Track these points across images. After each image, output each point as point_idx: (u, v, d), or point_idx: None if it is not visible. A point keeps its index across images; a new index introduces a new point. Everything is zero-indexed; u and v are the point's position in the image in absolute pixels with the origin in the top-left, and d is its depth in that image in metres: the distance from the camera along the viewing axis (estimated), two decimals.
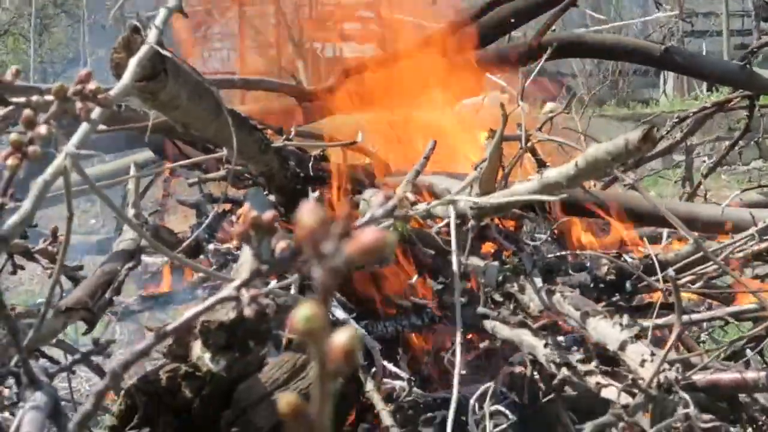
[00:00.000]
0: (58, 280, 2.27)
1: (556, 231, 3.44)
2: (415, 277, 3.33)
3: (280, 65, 4.96)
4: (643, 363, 2.51)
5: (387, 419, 2.91)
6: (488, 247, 3.30)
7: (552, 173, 2.59)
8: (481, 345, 3.38)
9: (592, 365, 2.72)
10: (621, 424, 2.45)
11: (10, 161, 1.84)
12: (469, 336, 3.33)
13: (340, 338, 0.73)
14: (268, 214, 1.52)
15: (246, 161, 3.08)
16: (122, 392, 2.48)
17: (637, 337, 2.60)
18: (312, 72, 4.93)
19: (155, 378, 2.56)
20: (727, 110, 5.05)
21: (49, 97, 1.96)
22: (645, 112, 14.40)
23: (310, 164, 3.32)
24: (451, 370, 3.05)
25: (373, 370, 3.05)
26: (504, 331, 3.02)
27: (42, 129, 1.84)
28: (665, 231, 4.08)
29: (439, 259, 3.22)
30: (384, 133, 3.73)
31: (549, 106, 4.13)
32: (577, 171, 2.45)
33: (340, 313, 3.13)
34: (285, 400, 0.77)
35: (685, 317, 3.06)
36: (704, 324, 3.79)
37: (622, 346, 2.58)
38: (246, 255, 2.81)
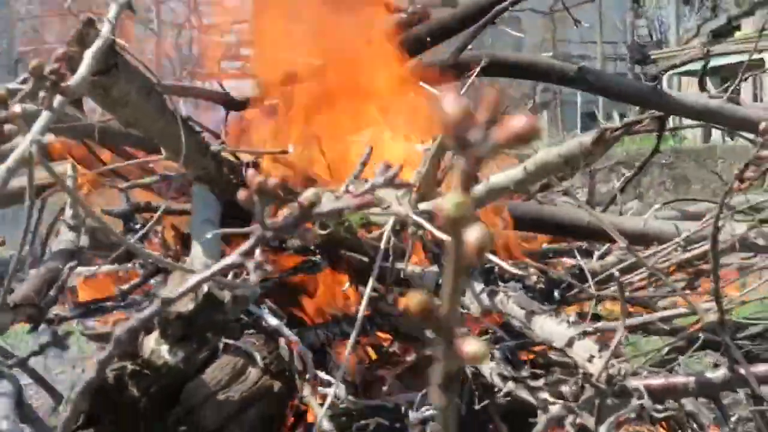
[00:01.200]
0: (14, 275, 2.23)
1: None
2: (347, 285, 3.33)
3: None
4: (591, 359, 2.55)
5: (326, 424, 2.89)
6: (418, 258, 3.31)
7: (499, 177, 2.61)
8: (411, 356, 3.38)
9: (540, 382, 2.74)
10: (571, 418, 2.48)
11: None
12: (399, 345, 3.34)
13: (474, 233, 0.73)
14: (274, 180, 1.51)
15: (185, 164, 3.05)
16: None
17: (584, 334, 2.64)
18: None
19: (102, 377, 2.52)
20: (635, 132, 5.14)
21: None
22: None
23: (243, 172, 3.30)
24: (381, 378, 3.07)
25: (307, 376, 3.04)
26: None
27: (17, 108, 1.81)
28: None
29: (373, 265, 3.22)
30: (311, 146, 3.72)
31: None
32: (525, 175, 2.48)
33: (272, 320, 3.11)
34: (415, 298, 0.77)
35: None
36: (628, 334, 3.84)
37: (570, 343, 2.62)
38: (197, 248, 2.79)
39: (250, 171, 1.35)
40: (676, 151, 15.50)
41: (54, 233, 3.24)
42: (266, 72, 4.30)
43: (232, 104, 3.58)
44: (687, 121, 5.76)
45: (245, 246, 1.50)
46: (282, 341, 3.04)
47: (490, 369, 2.82)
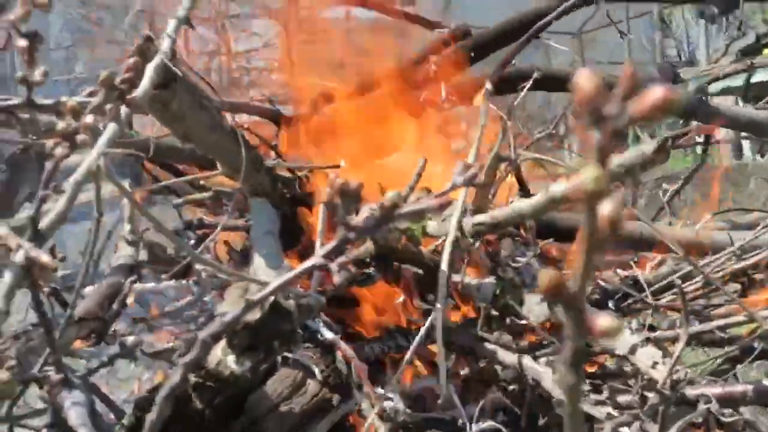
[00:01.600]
0: (80, 290, 2.24)
1: (539, 252, 3.45)
2: (401, 298, 3.32)
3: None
4: (654, 365, 2.54)
5: None
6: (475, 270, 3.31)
7: (559, 187, 2.60)
8: (466, 369, 3.37)
9: (603, 395, 2.73)
10: (636, 425, 2.47)
11: (59, 150, 1.81)
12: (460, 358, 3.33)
13: (608, 207, 0.73)
14: (355, 182, 1.51)
15: (240, 179, 3.06)
16: (133, 404, 2.45)
17: (647, 340, 2.63)
18: None
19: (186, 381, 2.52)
20: (682, 146, 5.13)
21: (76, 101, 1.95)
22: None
23: (296, 186, 3.32)
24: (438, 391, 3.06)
25: (364, 389, 3.03)
26: (506, 357, 3.01)
27: (89, 118, 1.82)
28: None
29: (428, 278, 3.21)
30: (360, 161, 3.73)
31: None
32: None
33: (327, 333, 3.11)
34: (546, 275, 0.77)
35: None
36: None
37: (633, 350, 2.61)
38: (259, 260, 2.80)
39: (332, 174, 1.35)
40: (708, 170, 15.43)
41: (104, 250, 3.25)
42: (304, 92, 4.33)
43: (283, 120, 3.60)
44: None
45: (329, 246, 1.50)
46: (339, 355, 3.04)
47: (552, 381, 2.81)
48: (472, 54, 4.43)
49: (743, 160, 16.57)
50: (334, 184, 1.44)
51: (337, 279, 1.50)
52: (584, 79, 0.73)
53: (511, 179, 3.43)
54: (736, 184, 14.75)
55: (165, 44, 2.38)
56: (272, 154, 3.45)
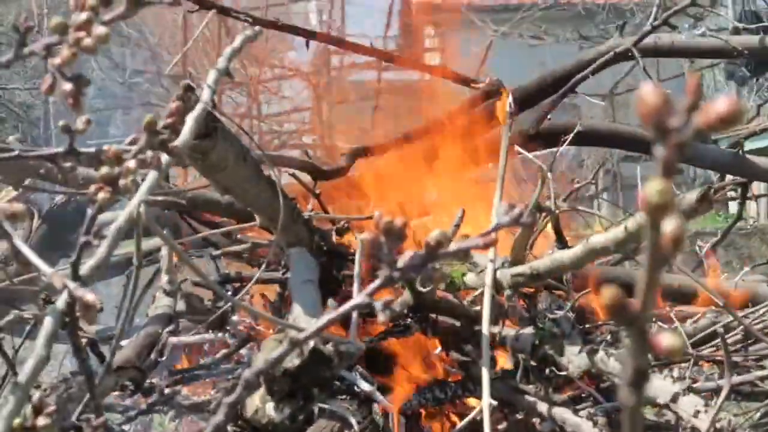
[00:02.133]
0: (119, 338, 2.24)
1: (576, 306, 3.43)
2: (438, 349, 3.31)
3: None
4: (697, 414, 2.51)
5: None
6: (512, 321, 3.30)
7: (599, 238, 2.58)
8: (504, 423, 3.35)
9: None
10: None
11: (100, 195, 1.82)
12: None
13: (671, 224, 0.72)
14: (400, 220, 1.51)
15: (278, 230, 3.07)
16: None
17: (689, 389, 2.60)
18: None
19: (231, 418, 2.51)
20: (716, 200, 5.10)
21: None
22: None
23: (332, 238, 3.33)
24: None
25: None
26: (544, 409, 2.99)
27: (131, 163, 1.83)
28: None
29: (466, 329, 3.20)
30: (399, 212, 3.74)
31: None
32: (626, 234, 2.45)
33: (364, 385, 3.10)
34: (607, 291, 0.76)
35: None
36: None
37: (674, 398, 2.58)
38: (298, 309, 2.79)
39: (377, 212, 1.35)
40: (740, 230, 15.36)
41: (140, 303, 3.26)
42: (335, 150, 4.36)
43: (320, 174, 3.61)
44: None
45: (372, 286, 1.49)
46: (375, 406, 3.03)
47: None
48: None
49: None
50: (379, 222, 1.43)
51: (381, 318, 1.48)
52: (648, 93, 0.73)
53: (548, 230, 3.41)
54: None
55: (205, 94, 2.39)
56: (309, 206, 3.46)
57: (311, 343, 2.33)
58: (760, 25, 9.17)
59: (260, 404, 2.43)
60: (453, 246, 1.50)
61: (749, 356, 3.39)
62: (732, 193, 5.31)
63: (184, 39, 10.98)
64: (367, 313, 3.26)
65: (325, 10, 18.06)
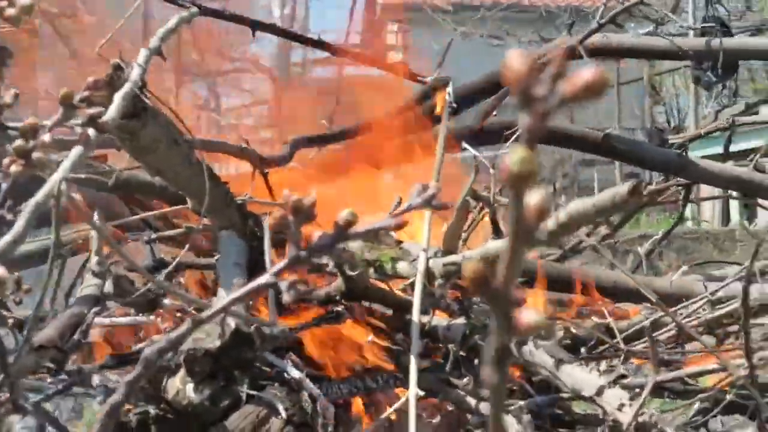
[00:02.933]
0: (37, 316, 2.21)
1: None
2: (370, 337, 3.30)
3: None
4: (621, 407, 2.51)
5: None
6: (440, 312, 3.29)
7: None
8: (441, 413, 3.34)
9: None
10: None
11: (13, 168, 1.79)
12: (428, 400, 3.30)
13: (536, 196, 0.72)
14: (309, 198, 1.50)
15: (211, 214, 3.05)
16: None
17: (614, 382, 2.61)
18: None
19: (126, 420, 2.50)
20: (658, 202, 5.13)
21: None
22: None
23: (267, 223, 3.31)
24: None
25: (330, 429, 3.01)
26: (471, 405, 2.99)
27: (45, 137, 1.81)
28: None
29: (398, 318, 3.19)
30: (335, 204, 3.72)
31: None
32: (557, 226, 2.44)
33: (294, 372, 3.08)
34: (470, 266, 0.75)
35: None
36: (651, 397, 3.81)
37: (600, 392, 2.58)
38: (222, 291, 2.78)
39: (286, 190, 1.33)
40: (693, 233, 15.43)
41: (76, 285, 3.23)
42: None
43: (260, 162, 3.59)
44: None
45: (279, 265, 1.48)
46: (304, 394, 3.02)
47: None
48: (455, 105, 4.44)
49: (731, 226, 16.60)
50: (287, 201, 1.42)
51: (286, 298, 1.47)
52: (515, 60, 0.72)
53: (485, 221, 3.42)
54: (723, 251, 14.77)
55: (134, 73, 2.37)
56: (248, 192, 3.43)
57: (233, 325, 2.32)
58: (721, 29, 9.24)
59: (181, 385, 2.41)
60: (363, 226, 1.49)
61: (682, 352, 3.40)
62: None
63: (144, 27, 10.90)
64: (301, 299, 3.27)
65: (287, 3, 18.02)
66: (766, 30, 20.24)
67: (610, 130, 4.43)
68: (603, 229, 5.05)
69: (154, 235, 3.39)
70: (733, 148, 5.21)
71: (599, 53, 4.48)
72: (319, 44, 4.54)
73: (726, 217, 18.58)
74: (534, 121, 0.71)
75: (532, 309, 0.76)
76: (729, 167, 4.45)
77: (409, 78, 4.65)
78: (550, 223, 2.47)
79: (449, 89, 3.48)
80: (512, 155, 0.68)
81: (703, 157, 4.51)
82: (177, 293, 2.45)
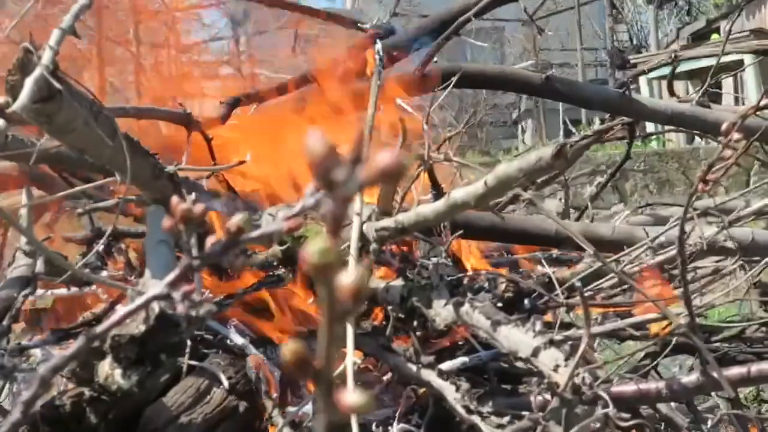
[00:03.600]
0: None
1: (450, 253, 3.42)
2: (311, 299, 3.29)
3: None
4: (556, 368, 2.51)
5: None
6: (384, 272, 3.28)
7: (459, 193, 2.55)
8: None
9: (505, 419, 2.69)
10: (539, 429, 2.44)
11: None
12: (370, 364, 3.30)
13: (349, 277, 0.70)
14: (199, 206, 1.47)
15: (140, 187, 3.02)
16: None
17: (550, 342, 2.60)
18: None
19: (60, 404, 2.48)
20: (606, 140, 5.11)
21: None
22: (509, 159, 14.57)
23: (203, 190, 3.28)
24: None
25: (275, 395, 3.00)
26: (411, 371, 2.98)
27: None
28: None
29: None
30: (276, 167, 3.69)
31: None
32: (486, 190, 2.42)
33: (237, 339, 3.08)
34: (289, 346, 0.74)
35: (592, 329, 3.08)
36: (602, 340, 3.82)
37: (535, 352, 2.57)
38: (147, 271, 2.75)
39: (174, 199, 1.31)
40: (658, 154, 15.49)
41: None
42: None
43: (194, 125, 3.54)
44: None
45: (171, 276, 1.46)
46: (249, 360, 3.01)
47: (454, 399, 2.77)
48: (395, 53, 4.41)
49: (695, 144, 16.64)
50: (176, 210, 1.39)
51: (180, 309, 1.44)
52: (315, 143, 0.70)
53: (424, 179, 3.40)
54: (688, 169, 14.83)
55: (46, 56, 2.32)
56: (183, 158, 3.39)
57: (157, 309, 2.29)
58: None
59: (109, 371, 2.40)
60: (256, 232, 1.47)
61: (626, 302, 3.40)
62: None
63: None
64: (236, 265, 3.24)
65: None
66: None
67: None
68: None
69: (87, 207, 3.35)
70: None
71: None
72: None
73: (691, 136, 18.66)
74: (337, 208, 0.69)
75: (356, 391, 0.74)
76: (672, 104, 4.44)
77: (346, 26, 4.61)
78: (479, 187, 2.46)
79: (378, 46, 3.43)
80: (312, 245, 0.67)
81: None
82: (98, 279, 2.42)
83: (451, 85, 3.81)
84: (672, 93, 4.80)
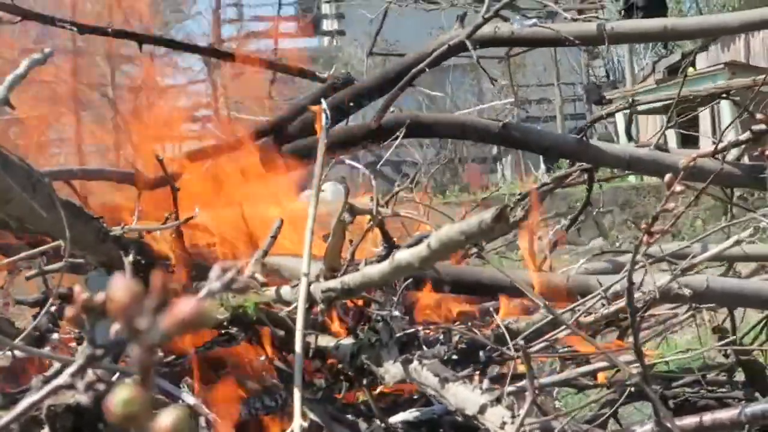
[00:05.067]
0: None
1: (403, 306, 3.42)
2: (263, 357, 3.28)
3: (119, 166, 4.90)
4: (503, 426, 2.51)
5: None
6: (339, 326, 3.28)
7: (404, 255, 2.55)
8: None
9: None
10: None
11: None
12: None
13: (166, 420, 0.69)
14: (101, 296, 1.46)
15: (84, 252, 3.01)
16: None
17: (497, 400, 2.60)
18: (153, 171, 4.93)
19: None
20: (566, 185, 5.13)
21: None
22: (485, 197, 14.61)
23: (151, 249, 3.27)
24: None
25: None
26: None
27: None
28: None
29: (288, 338, 3.17)
30: (228, 221, 3.69)
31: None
32: (429, 252, 2.41)
33: (189, 398, 3.06)
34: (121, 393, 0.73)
35: (538, 382, 3.08)
36: (557, 390, 3.81)
37: (482, 410, 2.57)
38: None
39: (77, 288, 1.30)
40: (636, 188, 15.56)
41: None
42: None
43: (144, 184, 3.54)
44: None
45: (74, 366, 1.45)
46: (201, 420, 2.99)
47: None
48: (352, 103, 4.42)
49: None
50: (77, 300, 1.39)
51: (83, 400, 1.44)
52: (118, 290, 0.70)
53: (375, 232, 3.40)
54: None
55: None
56: (134, 217, 3.37)
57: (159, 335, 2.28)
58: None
59: None
60: (142, 322, 1.46)
61: (578, 354, 3.40)
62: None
63: (73, 12, 10.78)
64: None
65: None
66: None
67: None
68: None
69: (36, 270, 3.34)
70: None
71: (492, 44, 4.47)
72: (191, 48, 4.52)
73: None
74: (143, 355, 0.69)
75: None
76: (629, 148, 4.46)
77: (303, 76, 4.63)
78: (423, 249, 2.46)
79: (324, 105, 3.43)
80: (117, 394, 0.66)
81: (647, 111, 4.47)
82: (23, 348, 2.40)
83: (403, 137, 3.83)
84: (630, 138, 4.82)
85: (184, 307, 0.68)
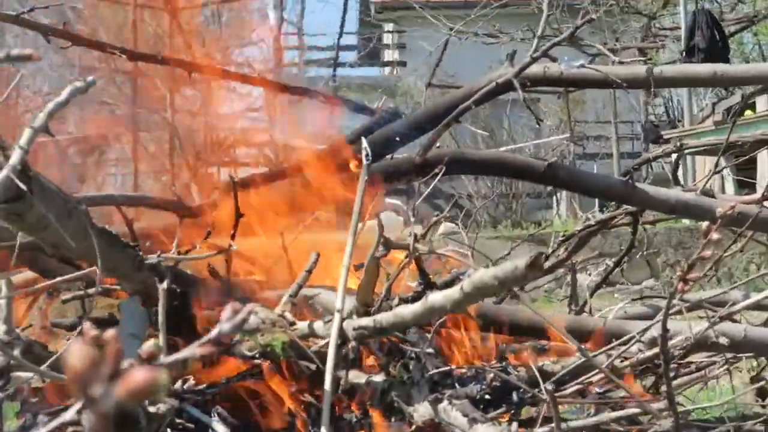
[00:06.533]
0: None
1: (438, 345, 3.41)
2: (293, 388, 3.28)
3: (174, 189, 4.93)
4: None
5: None
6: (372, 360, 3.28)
7: (437, 297, 2.55)
8: None
9: None
10: None
11: None
12: None
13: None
14: (110, 332, 1.47)
15: (119, 279, 3.02)
16: None
17: None
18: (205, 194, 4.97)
19: None
20: (611, 227, 5.10)
21: None
22: (538, 233, 14.54)
23: (186, 280, 3.29)
24: None
25: None
26: None
27: None
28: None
29: (319, 373, 3.17)
30: (270, 250, 3.70)
31: (446, 225, 4.12)
32: (462, 295, 2.42)
33: (219, 428, 3.06)
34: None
35: (567, 425, 3.05)
36: None
37: None
38: None
39: (86, 324, 1.31)
40: (689, 230, 15.39)
41: None
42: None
43: (185, 211, 3.56)
44: None
45: (67, 414, 1.45)
46: None
47: None
48: (398, 139, 4.44)
49: None
50: (86, 336, 1.40)
51: None
52: (74, 355, 0.70)
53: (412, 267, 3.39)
54: (720, 245, 14.70)
55: (14, 157, 2.33)
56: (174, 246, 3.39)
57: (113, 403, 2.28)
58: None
59: None
60: (171, 358, 1.46)
61: (611, 399, 3.37)
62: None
63: (134, 37, 10.92)
64: (226, 352, 3.24)
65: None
66: (757, 21, 20.21)
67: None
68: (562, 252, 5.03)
69: (70, 294, 3.36)
70: None
71: (542, 83, 4.46)
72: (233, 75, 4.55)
73: None
74: (96, 423, 0.69)
75: None
76: (675, 193, 4.41)
77: (349, 109, 4.65)
78: (456, 292, 2.45)
79: (364, 143, 3.43)
80: None
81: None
82: (31, 368, 2.41)
83: (446, 172, 3.83)
84: (677, 183, 4.79)
85: (137, 375, 0.68)
